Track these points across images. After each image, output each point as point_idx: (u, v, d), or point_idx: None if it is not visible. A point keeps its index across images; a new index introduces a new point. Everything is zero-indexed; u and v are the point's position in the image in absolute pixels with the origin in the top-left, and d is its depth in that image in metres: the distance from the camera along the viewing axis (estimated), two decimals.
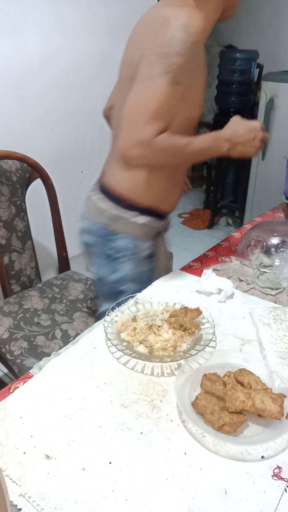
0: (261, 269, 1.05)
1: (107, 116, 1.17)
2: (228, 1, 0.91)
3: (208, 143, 0.93)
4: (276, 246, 1.08)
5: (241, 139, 0.94)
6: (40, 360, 0.77)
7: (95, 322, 0.91)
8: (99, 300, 1.16)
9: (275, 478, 0.56)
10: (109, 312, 0.88)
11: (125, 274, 1.04)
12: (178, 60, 0.81)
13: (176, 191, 1.08)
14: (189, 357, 0.75)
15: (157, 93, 0.83)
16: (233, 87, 2.76)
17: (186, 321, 0.80)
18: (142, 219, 1.01)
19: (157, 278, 1.06)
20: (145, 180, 0.97)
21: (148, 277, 1.08)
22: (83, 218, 1.09)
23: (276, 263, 1.05)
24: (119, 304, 0.91)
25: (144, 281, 1.06)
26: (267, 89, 2.45)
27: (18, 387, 0.71)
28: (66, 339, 1.12)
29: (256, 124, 0.95)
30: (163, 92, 0.82)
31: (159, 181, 0.99)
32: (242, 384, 0.66)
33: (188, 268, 1.11)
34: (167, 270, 1.15)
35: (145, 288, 1.02)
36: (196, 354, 0.75)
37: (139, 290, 1.01)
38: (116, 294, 1.03)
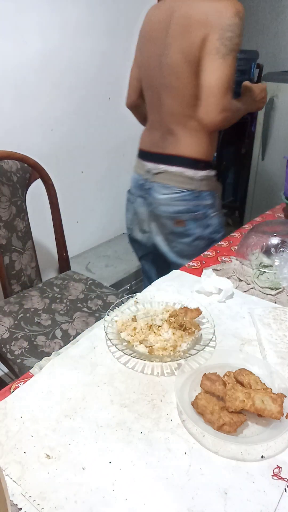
0: (261, 269, 1.05)
1: (136, 105, 1.39)
2: None
3: (246, 104, 1.25)
4: (276, 246, 1.08)
5: (258, 98, 1.28)
6: (41, 360, 0.78)
7: (102, 318, 0.91)
8: (183, 258, 1.33)
9: (275, 478, 0.56)
10: (109, 312, 0.88)
11: (216, 226, 1.32)
12: (239, 40, 1.05)
13: (214, 144, 1.32)
14: (189, 357, 0.75)
15: (228, 69, 1.06)
16: (233, 88, 2.76)
17: (186, 321, 0.80)
18: (213, 172, 1.28)
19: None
20: (209, 141, 1.24)
21: (223, 225, 1.37)
22: (164, 190, 1.28)
23: (276, 263, 1.05)
24: (119, 304, 0.92)
25: (223, 229, 1.36)
26: (267, 89, 2.45)
27: (18, 386, 0.71)
28: (67, 338, 1.12)
29: (263, 85, 1.31)
30: (232, 67, 1.07)
31: (213, 139, 1.26)
32: (242, 384, 0.66)
33: (188, 268, 1.11)
34: None
35: (224, 235, 1.35)
36: (196, 354, 0.75)
37: (223, 237, 1.31)
38: (209, 246, 1.28)
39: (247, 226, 1.38)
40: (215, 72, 1.06)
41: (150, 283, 1.04)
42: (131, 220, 1.46)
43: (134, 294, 0.96)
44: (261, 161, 2.65)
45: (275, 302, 0.96)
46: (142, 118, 1.41)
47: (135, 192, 1.38)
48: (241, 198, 2.93)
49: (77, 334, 1.09)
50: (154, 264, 1.56)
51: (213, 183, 1.29)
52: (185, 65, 1.10)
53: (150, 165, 1.29)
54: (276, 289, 1.00)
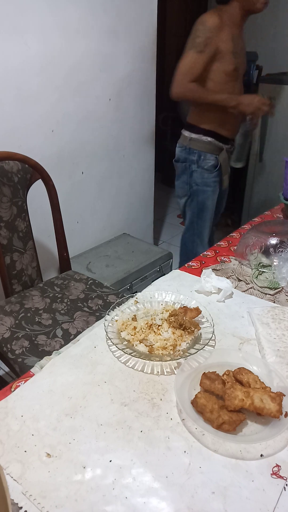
0: (259, 269, 1.05)
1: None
2: (247, 2, 1.54)
3: (222, 97, 1.59)
4: (275, 246, 1.08)
5: (241, 108, 1.58)
6: (41, 359, 0.78)
7: (102, 317, 0.91)
8: (179, 196, 1.90)
9: (274, 476, 0.56)
10: (109, 311, 0.88)
11: (196, 179, 1.76)
12: (199, 40, 1.49)
13: (229, 122, 1.70)
14: (188, 356, 0.75)
15: (186, 59, 1.52)
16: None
17: (185, 320, 0.81)
18: (206, 138, 1.70)
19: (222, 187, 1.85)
20: (204, 114, 1.67)
21: (215, 182, 1.77)
22: (177, 146, 1.80)
23: (275, 263, 1.06)
24: (119, 304, 0.92)
25: (211, 186, 1.77)
26: (266, 90, 2.45)
27: (19, 385, 0.71)
28: (67, 338, 1.12)
29: (256, 101, 1.57)
30: (189, 58, 1.51)
31: (213, 114, 1.65)
32: (241, 383, 0.67)
33: (187, 268, 1.12)
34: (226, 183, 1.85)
35: (214, 192, 1.80)
36: (195, 353, 0.75)
37: (207, 195, 1.78)
38: (193, 192, 1.80)
39: (246, 227, 1.39)
40: (181, 61, 1.53)
41: None
42: None
43: (134, 294, 0.97)
44: (258, 162, 2.65)
45: (274, 302, 0.97)
46: None
47: None
48: (240, 199, 2.93)
49: (78, 333, 1.09)
50: None
51: (202, 145, 1.71)
52: None
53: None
54: (275, 288, 1.00)
